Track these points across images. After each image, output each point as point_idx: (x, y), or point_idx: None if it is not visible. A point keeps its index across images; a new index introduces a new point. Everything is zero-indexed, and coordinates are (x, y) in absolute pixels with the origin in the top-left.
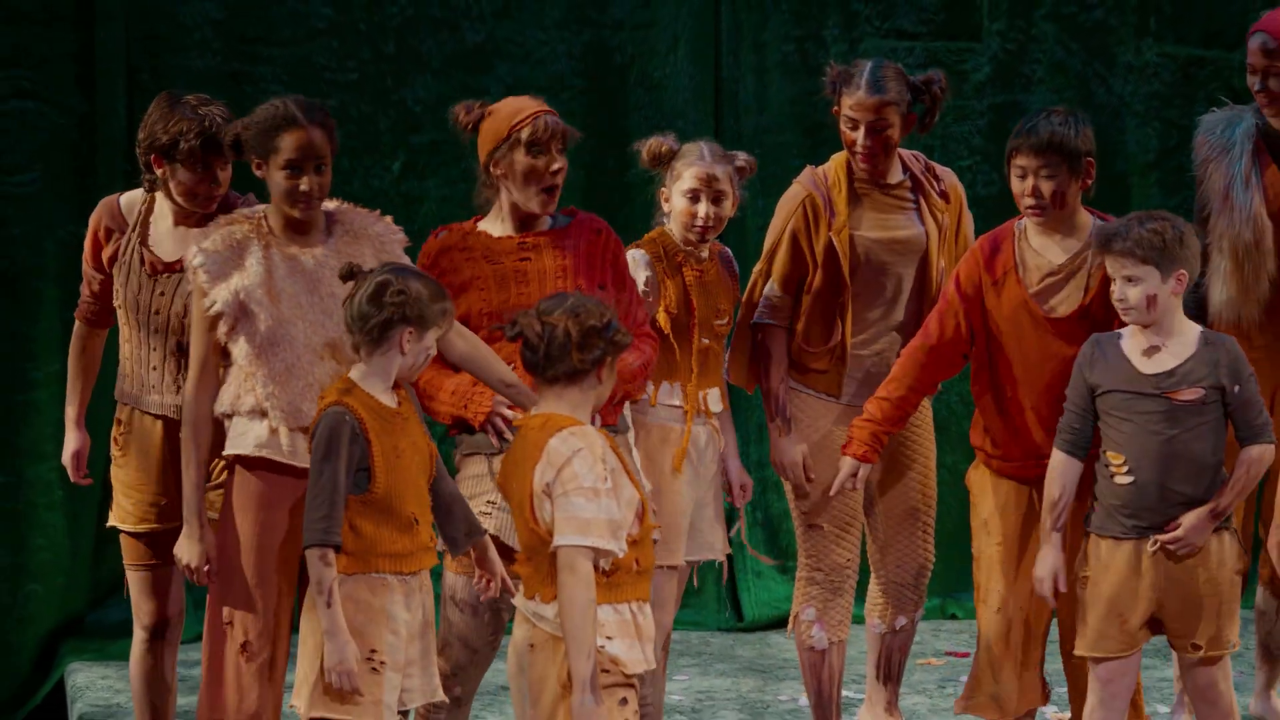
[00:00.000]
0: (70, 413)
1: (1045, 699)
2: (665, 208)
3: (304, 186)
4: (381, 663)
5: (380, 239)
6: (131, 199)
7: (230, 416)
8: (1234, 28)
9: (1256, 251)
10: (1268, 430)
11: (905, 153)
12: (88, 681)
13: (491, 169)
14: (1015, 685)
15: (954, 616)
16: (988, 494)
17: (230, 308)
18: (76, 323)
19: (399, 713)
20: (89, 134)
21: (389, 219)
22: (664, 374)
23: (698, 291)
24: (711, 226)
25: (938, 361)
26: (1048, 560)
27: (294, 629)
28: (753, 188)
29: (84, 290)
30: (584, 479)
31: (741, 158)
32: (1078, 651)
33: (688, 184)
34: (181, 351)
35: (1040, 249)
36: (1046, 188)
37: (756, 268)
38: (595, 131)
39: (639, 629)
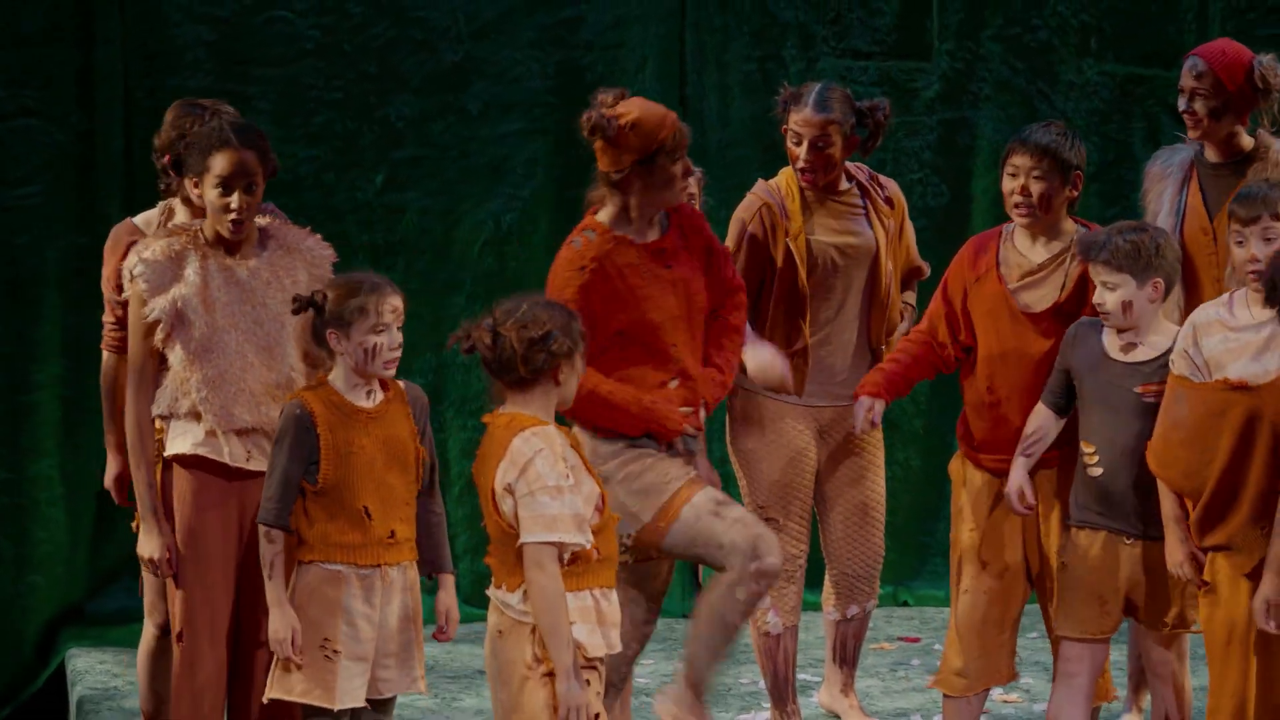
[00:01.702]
0: (111, 439)
1: (1005, 679)
2: None
3: (234, 204)
4: (335, 651)
5: (311, 253)
6: (146, 218)
7: (167, 418)
8: (1170, 48)
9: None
10: None
11: (849, 164)
12: (87, 666)
13: (630, 175)
14: (978, 663)
15: (905, 604)
16: (964, 483)
17: (167, 315)
18: (105, 355)
19: (379, 700)
20: (89, 150)
21: (318, 235)
22: None
23: None
24: None
25: (933, 357)
26: (1013, 479)
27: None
28: (715, 197)
29: (108, 319)
30: (547, 478)
31: (696, 170)
32: (1055, 632)
33: None
34: None
35: (1023, 250)
36: (1036, 188)
37: None
38: (566, 147)
39: (601, 614)
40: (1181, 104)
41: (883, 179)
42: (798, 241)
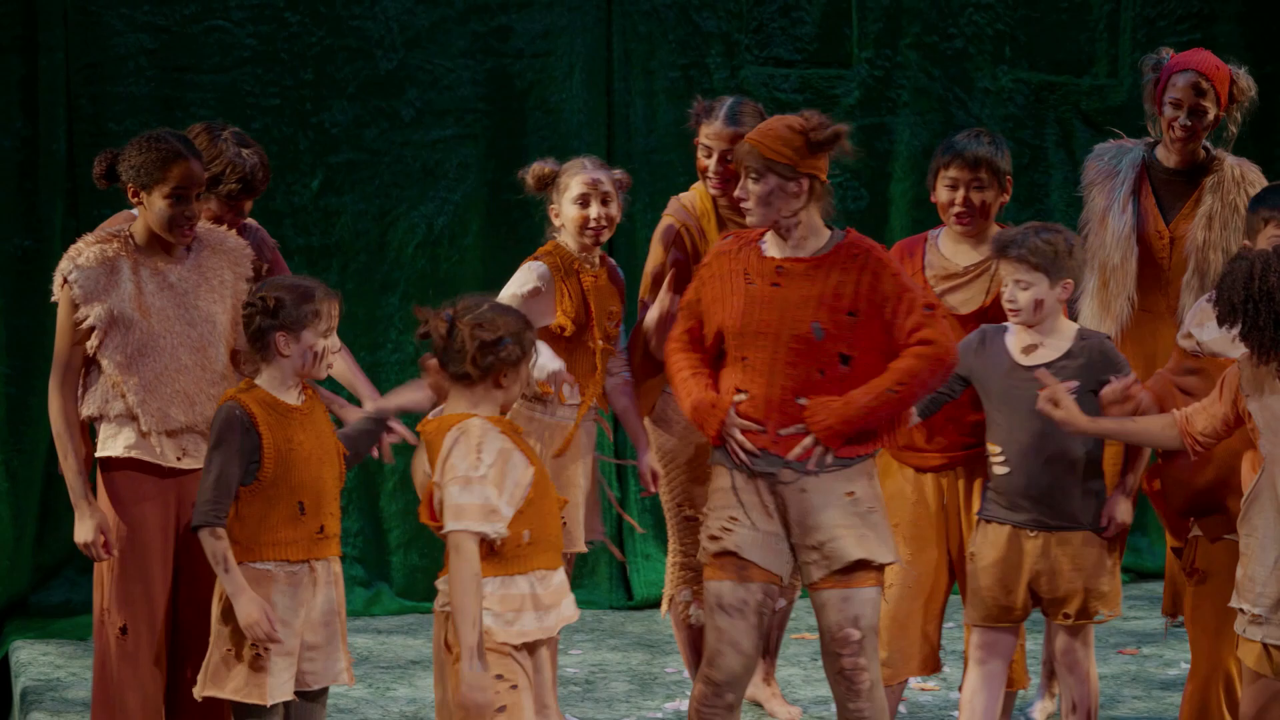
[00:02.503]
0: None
1: (928, 670)
2: (556, 222)
3: (189, 213)
4: (267, 647)
5: (234, 253)
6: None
7: (98, 420)
8: (1081, 56)
9: (1120, 272)
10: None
11: None
12: (30, 658)
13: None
14: (900, 653)
15: None
16: (886, 477)
17: (102, 322)
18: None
19: (308, 692)
20: (33, 155)
21: (234, 232)
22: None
23: (594, 296)
24: (605, 227)
25: None
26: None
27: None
28: (641, 201)
29: None
30: (458, 468)
31: (618, 172)
32: (967, 620)
33: (577, 190)
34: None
35: (949, 255)
36: (976, 198)
37: (643, 297)
38: (497, 151)
39: (536, 599)
40: (1179, 118)
41: None
42: None
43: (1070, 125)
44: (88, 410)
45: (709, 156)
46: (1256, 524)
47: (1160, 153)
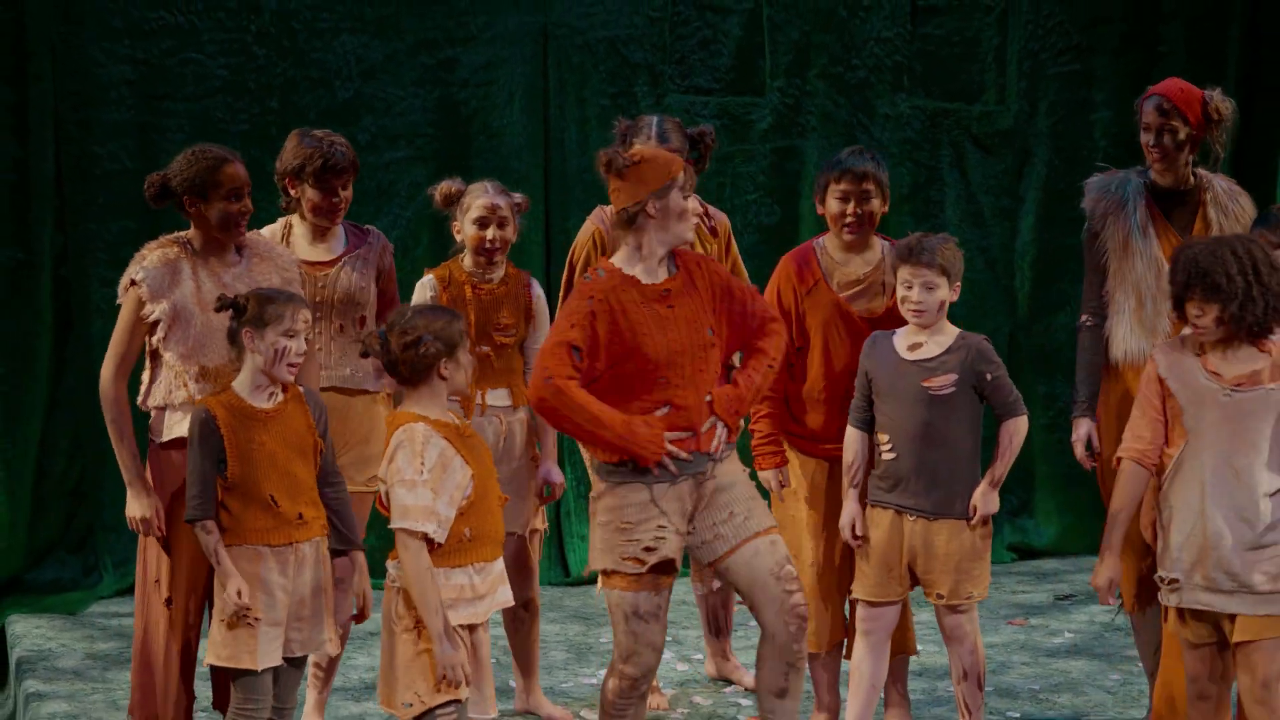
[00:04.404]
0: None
1: (847, 633)
2: (459, 239)
3: (243, 209)
4: (256, 619)
5: (280, 259)
6: (271, 231)
7: (164, 409)
8: (972, 85)
9: (1158, 292)
10: (1020, 404)
11: None
12: (25, 630)
13: (647, 209)
14: (826, 621)
15: None
16: (794, 467)
17: (167, 316)
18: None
19: (291, 659)
20: (24, 175)
21: (283, 244)
22: None
23: (475, 307)
24: (498, 248)
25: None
26: (846, 513)
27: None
28: (575, 216)
29: None
30: (404, 471)
31: (518, 196)
32: (855, 595)
33: (476, 213)
34: (341, 331)
35: (842, 262)
36: (865, 208)
37: (563, 289)
38: (445, 172)
39: (473, 588)
40: (1149, 141)
41: (711, 210)
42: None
43: (962, 147)
44: (154, 400)
45: None
46: (1177, 494)
47: (1158, 178)
